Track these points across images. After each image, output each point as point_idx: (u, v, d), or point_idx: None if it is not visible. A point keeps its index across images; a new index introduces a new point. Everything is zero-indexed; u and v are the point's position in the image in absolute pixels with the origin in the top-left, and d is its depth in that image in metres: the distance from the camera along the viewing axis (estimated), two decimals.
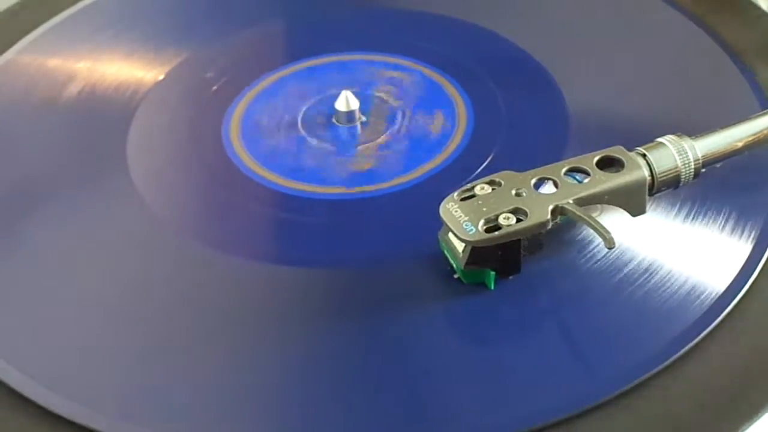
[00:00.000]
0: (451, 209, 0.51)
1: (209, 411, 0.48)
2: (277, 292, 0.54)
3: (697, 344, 0.50)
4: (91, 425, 0.48)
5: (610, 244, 0.49)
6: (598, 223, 0.50)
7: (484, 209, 0.50)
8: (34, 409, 0.49)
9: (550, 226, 0.50)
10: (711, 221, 0.55)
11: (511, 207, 0.50)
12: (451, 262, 0.53)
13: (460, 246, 0.51)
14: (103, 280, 0.55)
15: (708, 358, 0.49)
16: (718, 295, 0.52)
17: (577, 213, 0.50)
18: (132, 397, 0.49)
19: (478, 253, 0.51)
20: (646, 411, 0.47)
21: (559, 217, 0.51)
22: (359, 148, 0.63)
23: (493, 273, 0.52)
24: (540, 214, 0.50)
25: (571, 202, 0.50)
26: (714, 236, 0.55)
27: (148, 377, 0.50)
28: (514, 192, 0.51)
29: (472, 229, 0.49)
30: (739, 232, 0.55)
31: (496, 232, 0.49)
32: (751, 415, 0.47)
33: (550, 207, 0.50)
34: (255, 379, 0.50)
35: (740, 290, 0.52)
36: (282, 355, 0.51)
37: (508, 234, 0.50)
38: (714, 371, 0.49)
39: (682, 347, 0.49)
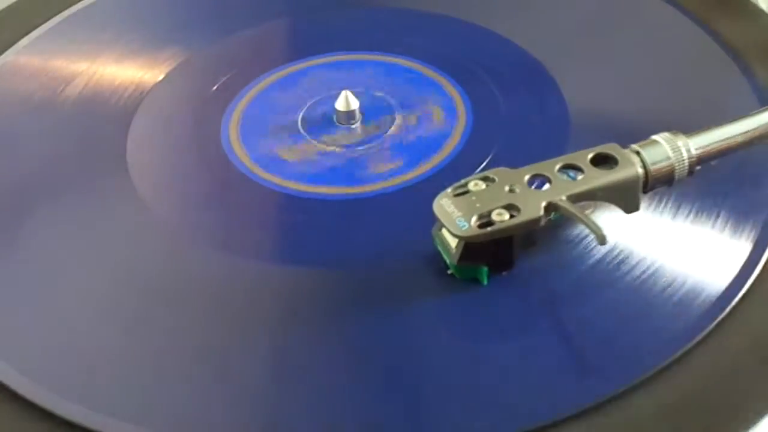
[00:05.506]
0: (444, 205, 0.51)
1: (209, 411, 0.48)
2: (277, 292, 0.54)
3: (696, 344, 0.49)
4: (92, 425, 0.48)
5: (602, 240, 0.49)
6: (590, 219, 0.50)
7: (478, 205, 0.50)
8: (33, 409, 0.49)
9: (543, 223, 0.50)
10: (710, 221, 0.55)
11: (504, 203, 0.50)
12: (445, 257, 0.53)
13: (453, 242, 0.51)
14: (103, 280, 0.56)
15: (708, 359, 0.49)
16: (717, 295, 0.51)
17: (570, 209, 0.50)
18: (131, 397, 0.49)
19: (471, 249, 0.51)
20: (645, 411, 0.47)
21: (552, 214, 0.51)
22: (359, 148, 0.63)
23: (486, 269, 0.52)
24: (533, 210, 0.50)
25: (564, 198, 0.50)
26: (713, 236, 0.55)
27: (148, 377, 0.50)
28: (507, 188, 0.51)
29: (465, 225, 0.49)
30: (739, 231, 0.55)
31: (489, 228, 0.49)
32: (752, 415, 0.47)
33: (543, 203, 0.50)
34: (254, 378, 0.50)
35: (740, 290, 0.52)
36: (281, 354, 0.51)
37: (501, 230, 0.50)
38: (713, 372, 0.48)
39: (682, 347, 0.49)
